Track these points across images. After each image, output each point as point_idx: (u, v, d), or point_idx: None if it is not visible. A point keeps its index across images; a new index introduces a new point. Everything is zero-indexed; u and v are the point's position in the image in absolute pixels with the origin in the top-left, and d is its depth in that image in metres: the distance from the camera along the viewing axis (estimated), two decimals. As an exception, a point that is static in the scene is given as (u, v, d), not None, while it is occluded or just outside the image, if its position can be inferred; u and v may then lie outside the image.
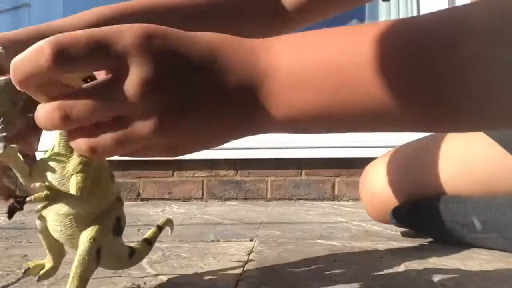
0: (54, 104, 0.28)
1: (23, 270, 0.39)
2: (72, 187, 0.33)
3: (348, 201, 1.41)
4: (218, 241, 0.70)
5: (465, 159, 0.67)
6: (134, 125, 0.29)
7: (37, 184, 0.31)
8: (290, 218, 0.98)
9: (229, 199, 1.46)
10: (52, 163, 0.35)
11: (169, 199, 1.48)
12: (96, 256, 0.35)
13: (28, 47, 0.28)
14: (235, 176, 1.47)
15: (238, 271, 0.51)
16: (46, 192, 0.31)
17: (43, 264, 0.40)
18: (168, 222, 0.49)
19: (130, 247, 0.43)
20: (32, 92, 0.29)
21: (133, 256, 0.42)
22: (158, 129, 0.29)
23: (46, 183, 0.32)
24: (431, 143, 0.72)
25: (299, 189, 1.45)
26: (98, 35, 0.28)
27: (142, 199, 1.48)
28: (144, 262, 0.56)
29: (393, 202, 0.71)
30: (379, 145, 1.35)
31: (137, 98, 0.28)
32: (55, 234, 0.36)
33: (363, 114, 0.31)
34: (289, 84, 0.31)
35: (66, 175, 0.34)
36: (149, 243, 0.46)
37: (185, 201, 1.44)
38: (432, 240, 0.69)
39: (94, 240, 0.35)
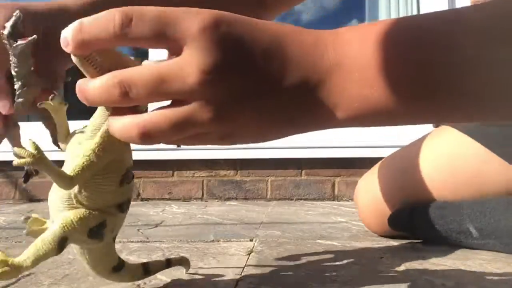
0: (114, 79, 0.28)
1: (23, 217, 0.37)
2: (70, 167, 0.33)
3: (348, 201, 1.41)
4: (218, 241, 0.69)
5: (451, 162, 0.67)
6: (192, 111, 0.28)
7: (30, 141, 0.30)
8: (290, 218, 0.98)
9: (229, 199, 1.46)
10: (74, 137, 0.34)
11: (169, 199, 1.48)
12: (59, 244, 0.33)
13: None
14: (235, 176, 1.47)
15: (238, 271, 0.51)
16: (34, 152, 0.30)
17: (45, 222, 0.38)
18: (184, 262, 0.46)
19: (121, 261, 0.40)
20: (82, 59, 0.29)
21: (119, 271, 0.40)
22: (216, 118, 0.29)
23: (33, 149, 0.30)
24: (416, 150, 0.72)
25: (299, 189, 1.45)
26: (166, 13, 0.28)
27: (142, 199, 1.48)
28: (144, 262, 0.56)
29: (386, 214, 0.71)
30: (379, 145, 1.36)
31: (197, 85, 0.28)
32: (49, 200, 0.36)
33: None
34: (359, 78, 0.30)
35: (76, 153, 0.33)
36: (146, 269, 0.42)
37: (185, 201, 1.44)
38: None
39: (64, 228, 0.33)
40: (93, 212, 0.34)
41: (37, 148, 0.30)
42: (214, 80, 0.28)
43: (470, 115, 0.32)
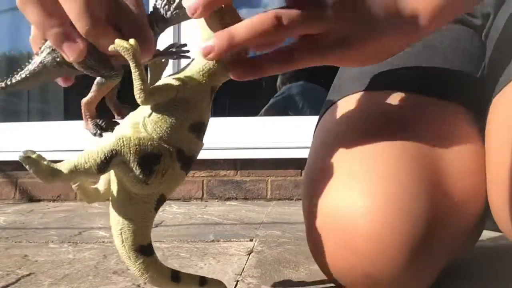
0: (268, 14, 0.33)
1: (75, 185, 0.34)
2: (161, 84, 0.33)
3: (348, 201, 1.41)
4: (218, 241, 0.70)
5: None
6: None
7: (121, 41, 0.30)
8: (290, 218, 0.98)
9: (229, 199, 1.46)
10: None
11: (169, 199, 1.47)
12: (106, 156, 0.30)
13: None
14: (235, 176, 1.47)
15: (238, 271, 0.51)
16: (134, 45, 0.30)
17: (94, 188, 0.36)
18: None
19: (152, 249, 0.35)
20: (213, 18, 0.33)
21: (146, 256, 0.34)
22: (337, 15, 0.34)
23: (134, 43, 0.30)
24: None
25: (299, 189, 1.45)
26: None
27: (142, 199, 1.48)
28: (144, 262, 0.56)
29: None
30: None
31: None
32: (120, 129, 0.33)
33: None
34: None
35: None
36: (174, 276, 0.35)
37: (185, 201, 1.44)
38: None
39: (119, 139, 0.30)
40: (154, 142, 0.32)
41: (137, 44, 0.30)
42: None
43: None
